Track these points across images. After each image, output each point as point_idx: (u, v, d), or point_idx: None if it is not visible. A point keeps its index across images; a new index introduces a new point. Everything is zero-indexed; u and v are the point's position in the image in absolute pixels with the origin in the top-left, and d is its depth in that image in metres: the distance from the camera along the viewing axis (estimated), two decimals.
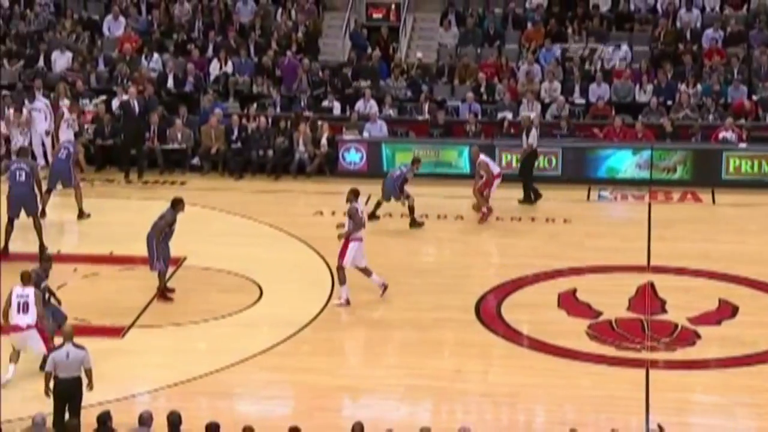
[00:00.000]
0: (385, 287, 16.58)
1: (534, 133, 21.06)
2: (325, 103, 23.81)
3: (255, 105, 23.45)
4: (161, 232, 16.42)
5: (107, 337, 15.20)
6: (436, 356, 15.17)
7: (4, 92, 23.47)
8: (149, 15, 26.30)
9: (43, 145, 21.90)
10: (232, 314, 16.20)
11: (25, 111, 21.86)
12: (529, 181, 20.93)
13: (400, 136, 23.05)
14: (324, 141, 22.33)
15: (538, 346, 15.44)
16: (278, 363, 14.83)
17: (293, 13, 26.14)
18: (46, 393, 12.62)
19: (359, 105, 23.39)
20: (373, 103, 23.31)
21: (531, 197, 20.84)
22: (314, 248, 18.43)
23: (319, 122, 22.61)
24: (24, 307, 14.02)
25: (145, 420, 11.78)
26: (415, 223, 19.31)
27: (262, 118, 22.62)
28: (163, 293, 16.51)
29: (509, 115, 23.20)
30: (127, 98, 22.49)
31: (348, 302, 16.36)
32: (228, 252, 18.15)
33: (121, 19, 25.83)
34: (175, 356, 14.95)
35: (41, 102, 22.11)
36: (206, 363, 14.66)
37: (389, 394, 14.19)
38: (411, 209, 19.30)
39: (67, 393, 12.56)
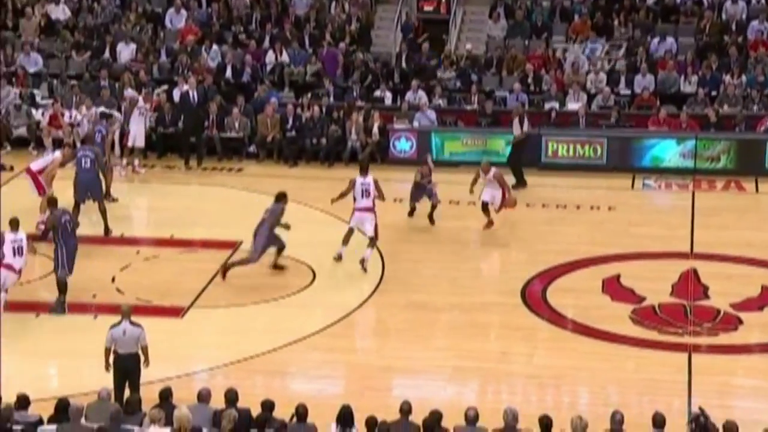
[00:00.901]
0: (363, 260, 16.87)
1: (526, 121, 20.95)
2: (377, 94, 23.81)
3: (309, 95, 23.50)
4: (272, 227, 16.40)
5: (168, 317, 15.35)
6: (482, 339, 15.15)
7: (72, 82, 23.72)
8: (209, 8, 26.44)
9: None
10: (287, 296, 16.29)
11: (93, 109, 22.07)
12: (518, 166, 20.80)
13: (449, 125, 23.01)
14: (375, 130, 22.34)
15: (583, 330, 15.36)
16: (330, 344, 14.89)
17: (347, 5, 26.17)
18: (106, 368, 12.80)
19: (410, 95, 23.36)
20: (422, 93, 23.28)
21: (525, 181, 20.75)
22: (365, 233, 18.44)
23: (371, 112, 22.63)
24: (19, 251, 14.85)
25: (204, 396, 11.89)
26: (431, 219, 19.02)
27: (316, 108, 22.67)
28: (225, 272, 16.58)
29: (556, 106, 23.08)
30: (187, 88, 22.66)
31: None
32: (282, 236, 18.22)
33: (183, 11, 26.00)
34: (231, 336, 15.06)
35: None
36: (262, 343, 14.76)
37: (437, 375, 14.20)
38: (433, 207, 19.00)
39: (126, 368, 12.72)
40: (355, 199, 17.36)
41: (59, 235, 15.45)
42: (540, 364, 14.46)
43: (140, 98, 21.71)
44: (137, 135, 21.45)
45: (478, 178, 18.63)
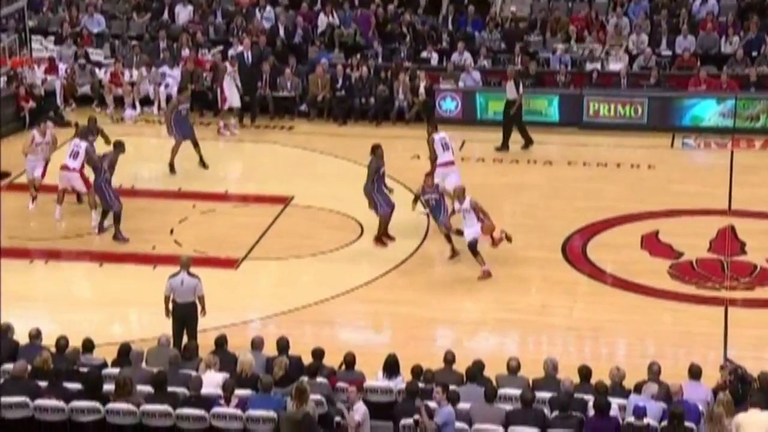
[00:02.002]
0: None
1: (521, 84, 20.52)
2: (424, 54, 23.65)
3: (358, 56, 23.41)
4: (371, 179, 16.35)
5: (223, 268, 15.49)
6: (523, 292, 15.12)
7: (133, 42, 23.82)
8: None
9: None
10: (336, 250, 16.34)
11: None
12: (522, 126, 20.49)
13: (494, 85, 22.81)
14: (422, 90, 22.23)
15: (621, 284, 15.28)
16: (377, 296, 14.95)
17: None
18: (166, 315, 12.96)
19: (455, 56, 23.19)
20: (468, 54, 23.09)
21: (531, 139, 20.45)
22: (411, 190, 18.42)
23: (418, 72, 22.50)
24: (75, 155, 16.59)
25: (257, 344, 12.02)
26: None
27: (365, 68, 22.58)
28: (380, 238, 16.29)
29: (598, 67, 22.79)
30: (241, 49, 22.66)
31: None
32: (332, 192, 18.27)
33: None
34: (283, 287, 15.18)
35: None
36: (312, 294, 14.86)
37: (479, 326, 14.22)
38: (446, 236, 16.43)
39: (183, 316, 12.88)
40: (436, 157, 17.14)
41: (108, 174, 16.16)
42: (579, 317, 14.42)
43: (227, 64, 21.64)
44: (232, 97, 21.37)
45: (452, 204, 15.78)
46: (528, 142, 20.54)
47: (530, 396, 10.87)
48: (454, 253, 15.76)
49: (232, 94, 21.39)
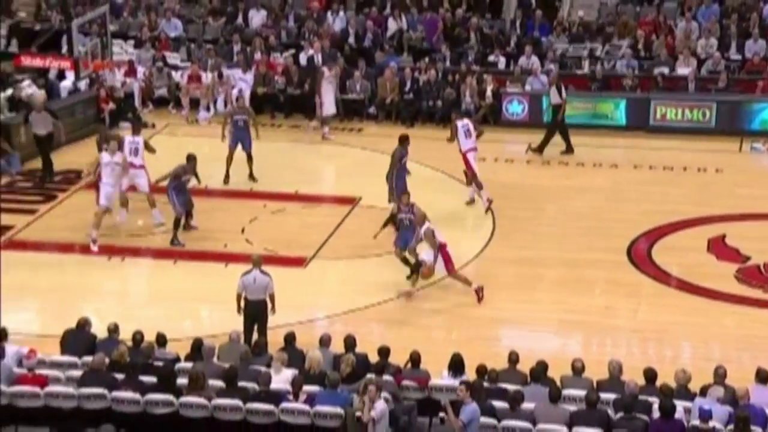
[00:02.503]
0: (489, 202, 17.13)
1: (563, 88, 20.26)
2: (491, 58, 23.59)
3: (426, 59, 23.43)
4: (393, 168, 16.54)
5: (292, 267, 15.61)
6: (587, 294, 15.01)
7: (208, 46, 24.12)
8: None
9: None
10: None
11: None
12: (564, 132, 20.21)
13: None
14: (489, 93, 22.17)
15: (687, 287, 15.08)
16: (442, 295, 14.94)
17: None
18: (238, 312, 13.11)
19: (523, 60, 23.08)
20: (535, 58, 22.97)
21: (572, 147, 20.12)
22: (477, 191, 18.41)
23: (485, 76, 22.45)
24: (134, 152, 16.69)
25: (325, 341, 12.11)
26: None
27: (433, 71, 22.60)
28: (385, 225, 15.83)
29: (665, 71, 22.50)
30: (312, 53, 22.83)
31: (491, 201, 17.14)
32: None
33: None
34: (350, 286, 15.24)
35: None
36: (377, 293, 14.90)
37: (543, 326, 14.14)
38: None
39: (254, 313, 13.01)
40: (459, 142, 17.48)
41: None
42: (644, 319, 14.27)
43: (325, 69, 21.55)
44: (327, 103, 21.32)
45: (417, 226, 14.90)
46: (569, 149, 20.27)
47: (595, 397, 10.79)
48: (414, 275, 14.85)
49: (328, 100, 21.27)
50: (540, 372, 11.37)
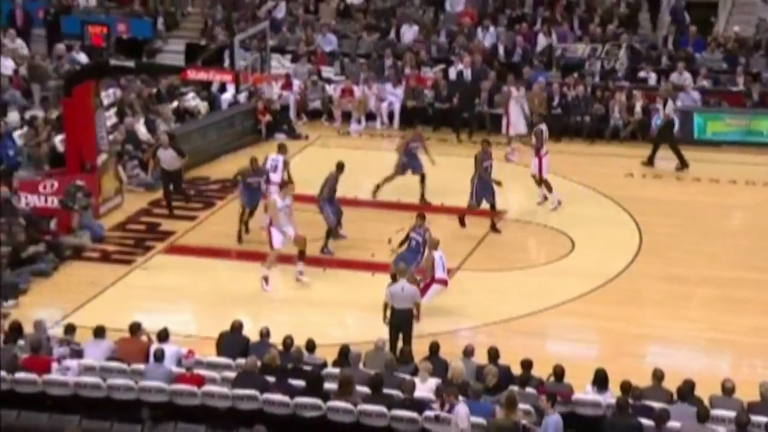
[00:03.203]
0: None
1: (671, 104, 19.79)
2: (641, 74, 23.09)
3: (575, 74, 23.13)
4: (476, 172, 16.96)
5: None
6: (738, 313, 14.48)
7: (361, 60, 24.46)
8: None
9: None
10: (546, 264, 16.20)
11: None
12: (675, 146, 19.84)
13: (713, 106, 21.98)
14: (638, 109, 21.71)
15: None
16: (586, 310, 14.70)
17: None
18: (384, 320, 13.21)
19: (674, 76, 22.51)
20: (687, 74, 22.36)
21: (686, 162, 19.69)
22: (624, 207, 18.06)
23: (634, 91, 21.99)
24: (274, 168, 17.22)
25: (469, 352, 12.07)
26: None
27: (581, 87, 22.28)
28: (462, 219, 17.15)
29: None
30: (461, 67, 22.85)
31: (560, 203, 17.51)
32: (545, 207, 18.12)
33: None
34: (494, 298, 15.15)
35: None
36: (522, 306, 14.77)
37: (690, 345, 13.73)
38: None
39: (400, 322, 13.09)
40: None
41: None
42: None
43: (513, 89, 21.15)
44: (516, 123, 20.71)
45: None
46: (650, 161, 19.96)
47: (745, 419, 10.39)
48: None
49: (518, 120, 20.92)
50: (687, 391, 11.03)
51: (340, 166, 16.78)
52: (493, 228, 17.01)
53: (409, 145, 18.58)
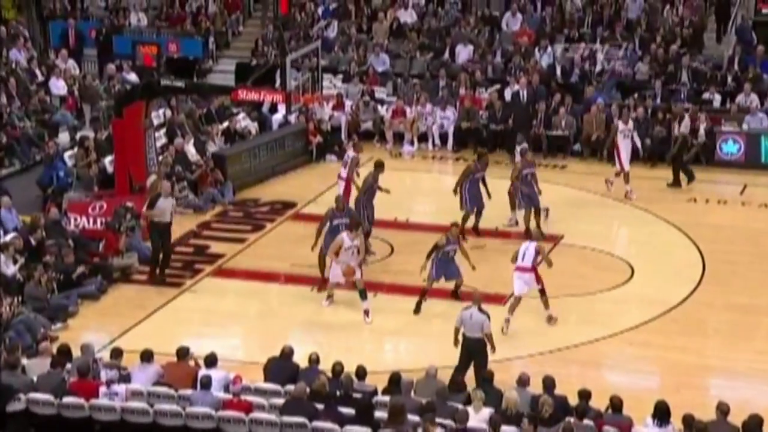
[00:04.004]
0: None
1: (686, 122, 19.86)
2: (706, 96, 22.87)
3: (636, 95, 22.96)
4: (464, 179, 17.48)
5: (491, 304, 15.49)
6: None
7: (414, 81, 24.50)
8: (543, 11, 26.46)
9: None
10: (605, 291, 16.04)
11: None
12: (678, 165, 19.97)
13: None
14: (702, 131, 21.47)
15: None
16: (647, 339, 14.52)
17: (680, 9, 25.31)
18: (455, 344, 13.22)
19: (740, 98, 22.25)
20: (754, 96, 22.10)
21: (679, 182, 19.85)
22: (686, 233, 17.85)
23: (698, 114, 21.76)
24: (345, 164, 17.64)
25: (524, 381, 11.99)
26: None
27: (641, 109, 22.11)
28: (476, 228, 17.74)
29: None
30: (517, 88, 22.82)
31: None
32: (603, 232, 17.99)
33: (519, 15, 26.18)
34: (548, 325, 15.02)
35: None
36: (578, 334, 14.64)
37: (757, 378, 13.49)
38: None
39: (471, 351, 13.08)
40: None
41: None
42: None
43: (620, 123, 19.94)
44: (625, 159, 19.70)
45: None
46: (676, 182, 20.10)
47: None
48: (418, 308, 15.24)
49: (626, 155, 19.71)
50: (754, 426, 10.83)
51: (379, 165, 16.90)
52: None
53: (475, 174, 17.99)
